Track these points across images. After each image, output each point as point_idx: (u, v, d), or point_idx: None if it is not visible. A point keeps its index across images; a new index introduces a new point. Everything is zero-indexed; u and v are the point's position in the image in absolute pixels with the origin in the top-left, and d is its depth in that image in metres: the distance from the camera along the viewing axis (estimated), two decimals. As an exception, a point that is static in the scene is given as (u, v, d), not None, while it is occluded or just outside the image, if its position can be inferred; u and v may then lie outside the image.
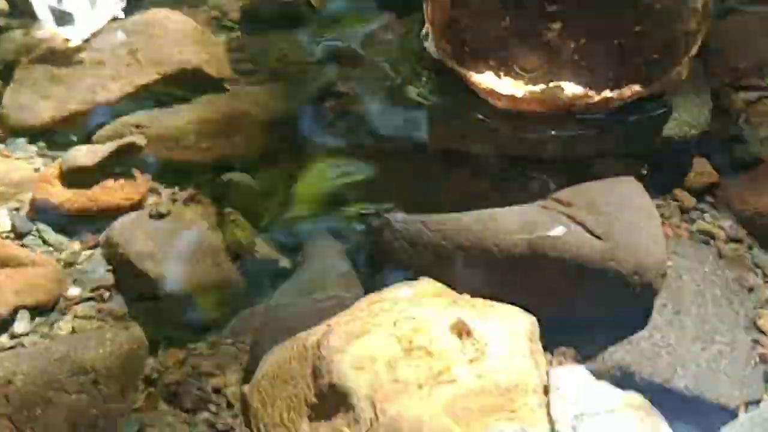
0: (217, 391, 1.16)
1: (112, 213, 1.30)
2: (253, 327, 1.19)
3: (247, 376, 1.12)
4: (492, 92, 1.30)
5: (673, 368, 1.08)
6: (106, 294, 1.24)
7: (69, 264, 1.27)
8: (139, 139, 1.37)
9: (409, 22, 1.53)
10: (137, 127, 1.41)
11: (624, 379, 1.07)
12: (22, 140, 1.43)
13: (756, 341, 1.15)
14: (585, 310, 1.14)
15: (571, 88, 1.32)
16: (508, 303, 1.08)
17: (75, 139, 1.42)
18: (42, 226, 1.31)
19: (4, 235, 1.30)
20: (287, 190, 1.37)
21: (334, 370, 0.97)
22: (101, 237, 1.29)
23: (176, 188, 1.37)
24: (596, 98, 1.29)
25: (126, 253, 1.23)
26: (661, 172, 1.34)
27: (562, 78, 1.38)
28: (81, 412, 1.08)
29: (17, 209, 1.34)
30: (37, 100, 1.44)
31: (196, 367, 1.17)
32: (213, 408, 1.15)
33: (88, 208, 1.31)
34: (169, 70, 1.49)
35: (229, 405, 1.14)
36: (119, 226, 1.27)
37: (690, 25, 1.31)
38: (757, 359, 1.13)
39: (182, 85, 1.49)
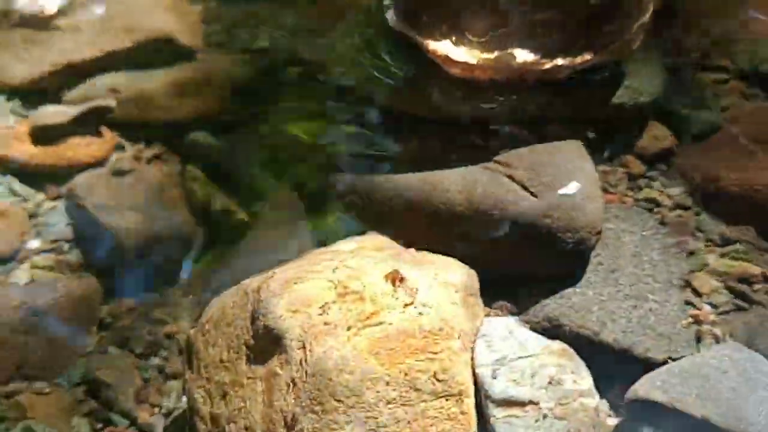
0: (169, 337, 1.21)
1: (78, 169, 1.36)
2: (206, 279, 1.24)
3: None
4: (447, 59, 1.34)
5: (602, 322, 1.10)
6: (65, 246, 1.29)
7: (32, 215, 1.32)
8: (110, 102, 1.43)
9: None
10: (112, 91, 1.46)
11: (553, 331, 1.10)
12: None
13: (690, 303, 1.17)
14: (523, 266, 1.17)
15: (523, 56, 1.36)
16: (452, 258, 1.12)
17: (49, 99, 1.47)
18: (10, 179, 1.36)
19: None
20: (251, 150, 1.42)
21: (270, 312, 1.00)
22: (63, 189, 1.34)
23: (143, 145, 1.42)
24: (547, 65, 1.32)
25: (85, 205, 1.28)
26: (613, 139, 1.37)
27: (515, 47, 1.41)
28: (31, 352, 1.14)
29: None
30: (14, 62, 1.50)
31: (149, 314, 1.22)
32: (164, 353, 1.20)
33: (55, 164, 1.36)
34: (142, 38, 1.54)
35: (181, 352, 1.17)
36: (81, 180, 1.33)
37: (641, -6, 1.33)
38: (690, 320, 1.15)
39: (154, 52, 1.53)
